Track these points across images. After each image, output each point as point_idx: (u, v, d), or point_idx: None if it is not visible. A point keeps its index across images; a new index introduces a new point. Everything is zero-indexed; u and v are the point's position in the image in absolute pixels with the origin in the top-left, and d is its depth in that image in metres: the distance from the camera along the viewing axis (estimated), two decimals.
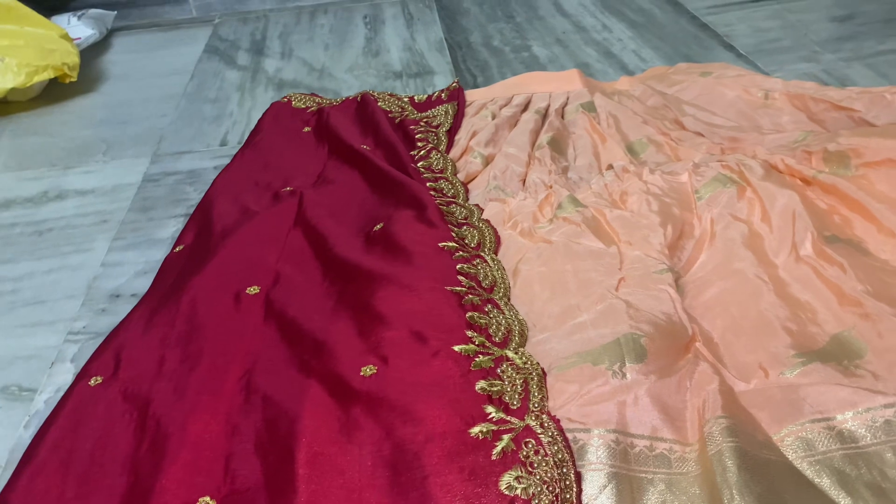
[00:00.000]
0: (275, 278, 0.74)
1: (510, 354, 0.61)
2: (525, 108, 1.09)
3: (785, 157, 0.81)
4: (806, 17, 1.38)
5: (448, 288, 0.68)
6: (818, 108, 0.94)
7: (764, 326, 0.63)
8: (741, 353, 0.61)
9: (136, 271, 0.87)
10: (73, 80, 1.27)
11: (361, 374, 0.61)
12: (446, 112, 1.09)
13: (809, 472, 0.51)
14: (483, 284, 0.70)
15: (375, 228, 0.79)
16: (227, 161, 1.04)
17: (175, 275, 0.79)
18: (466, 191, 0.90)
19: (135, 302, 0.79)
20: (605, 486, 0.51)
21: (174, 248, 0.86)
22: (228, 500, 0.55)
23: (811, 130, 0.89)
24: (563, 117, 1.05)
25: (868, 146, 0.76)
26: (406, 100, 1.15)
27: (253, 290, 0.73)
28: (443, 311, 0.65)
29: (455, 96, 1.14)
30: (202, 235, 0.85)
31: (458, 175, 0.94)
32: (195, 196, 0.99)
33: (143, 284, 0.83)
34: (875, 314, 0.61)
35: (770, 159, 0.82)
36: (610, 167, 0.90)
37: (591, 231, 0.75)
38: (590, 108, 1.05)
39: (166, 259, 0.85)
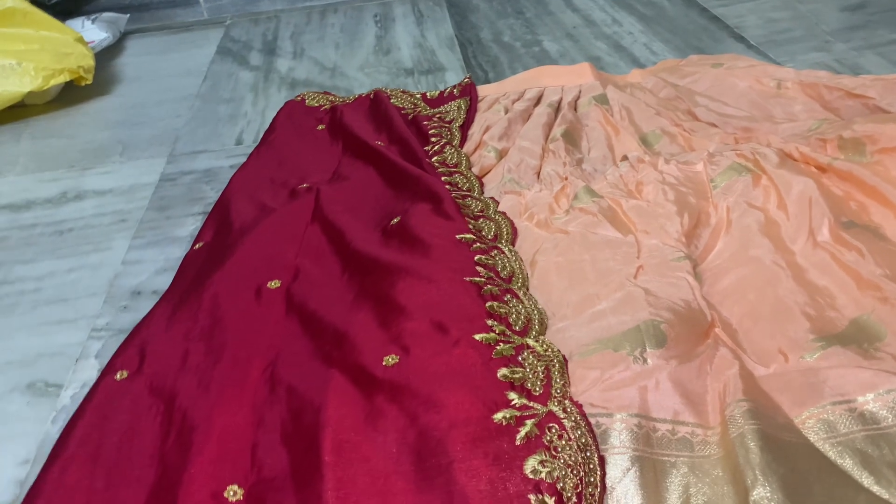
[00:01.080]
0: (294, 273, 0.75)
1: (531, 342, 0.62)
2: (537, 101, 1.10)
3: (799, 146, 0.81)
4: (816, 7, 1.38)
5: (467, 279, 0.69)
6: (832, 96, 0.94)
7: (783, 312, 0.63)
8: (760, 338, 0.62)
9: (156, 269, 0.88)
10: (88, 82, 1.28)
11: (384, 363, 0.62)
12: (459, 107, 1.09)
13: (832, 454, 0.51)
14: (501, 275, 0.71)
15: (392, 222, 0.80)
16: (242, 160, 1.05)
17: (195, 271, 0.80)
18: (481, 184, 0.90)
19: (156, 299, 0.80)
20: (628, 470, 0.51)
21: (194, 245, 0.87)
22: (256, 488, 0.56)
23: (825, 118, 0.89)
24: (576, 110, 1.06)
25: (884, 132, 0.76)
26: (418, 96, 1.16)
27: (274, 284, 0.74)
28: (462, 301, 0.66)
29: (467, 92, 1.14)
30: (221, 232, 0.86)
31: (473, 169, 0.94)
32: (212, 195, 1.00)
33: (164, 281, 0.84)
34: (894, 298, 0.61)
35: (784, 147, 0.82)
36: (625, 158, 0.90)
37: (608, 220, 0.75)
38: (602, 100, 1.05)
39: (186, 256, 0.86)
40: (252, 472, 0.57)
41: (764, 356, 0.60)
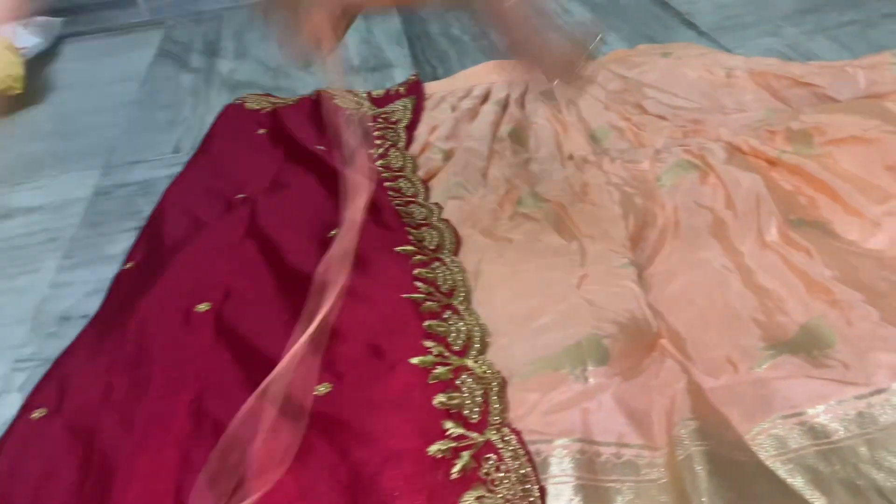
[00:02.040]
0: (225, 294, 0.71)
1: (470, 363, 0.59)
2: (485, 99, 1.06)
3: (748, 139, 0.79)
4: None
5: (405, 296, 0.65)
6: (780, 84, 0.92)
7: (732, 318, 0.61)
8: (710, 347, 0.59)
9: (86, 291, 0.83)
10: (18, 91, 1.22)
11: (315, 392, 0.59)
12: (405, 107, 1.06)
13: (782, 472, 0.49)
14: (442, 289, 0.68)
15: (330, 234, 0.76)
16: (180, 169, 1.00)
17: (124, 294, 0.76)
18: (427, 189, 0.87)
19: (85, 324, 0.76)
20: (571, 500, 0.49)
21: (124, 264, 0.83)
22: None
23: (774, 109, 0.87)
24: (523, 107, 1.03)
25: (831, 123, 0.75)
26: (364, 95, 1.12)
27: (203, 307, 0.70)
28: (399, 321, 0.63)
29: (414, 90, 1.11)
30: (152, 251, 0.82)
31: (419, 172, 0.91)
32: (148, 208, 0.95)
33: (94, 305, 0.79)
34: (844, 301, 0.60)
35: (733, 140, 0.80)
36: (571, 157, 0.87)
37: (552, 226, 0.73)
38: (550, 96, 1.02)
39: (116, 277, 0.81)
40: None
41: (713, 367, 0.58)
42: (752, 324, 0.60)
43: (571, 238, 0.72)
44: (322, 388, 0.59)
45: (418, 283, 0.67)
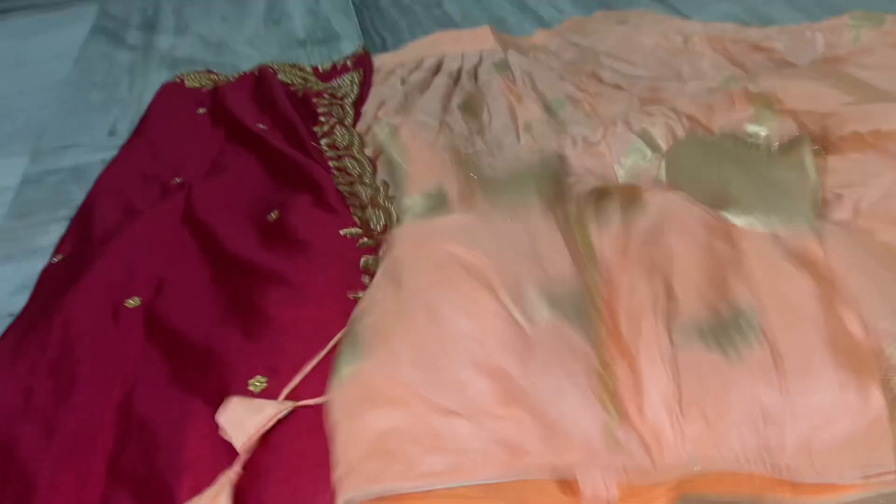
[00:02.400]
0: (157, 286, 0.66)
1: None
2: (436, 71, 1.02)
3: (707, 111, 0.76)
4: None
5: (350, 295, 0.62)
6: (737, 50, 0.89)
7: None
8: None
9: (12, 288, 0.78)
10: None
11: (250, 388, 0.55)
12: (352, 81, 1.01)
13: None
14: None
15: (270, 217, 0.72)
16: (115, 154, 0.94)
17: (50, 291, 0.71)
18: (374, 168, 0.82)
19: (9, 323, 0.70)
20: None
21: (52, 258, 0.77)
22: None
23: (732, 75, 0.84)
24: (476, 79, 0.98)
25: (787, 90, 0.72)
26: (309, 70, 1.07)
27: (133, 302, 0.65)
28: (341, 320, 0.59)
29: (361, 63, 1.06)
30: (82, 242, 0.77)
31: (367, 150, 0.86)
32: (81, 196, 0.89)
33: (21, 303, 0.74)
34: None
35: (693, 113, 0.77)
36: (528, 128, 0.84)
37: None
38: (503, 67, 0.98)
39: (43, 272, 0.76)
40: None
41: None
42: None
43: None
44: (257, 383, 0.55)
45: (364, 278, 0.63)
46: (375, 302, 0.56)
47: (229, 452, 0.52)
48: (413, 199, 0.71)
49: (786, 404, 0.45)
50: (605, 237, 0.60)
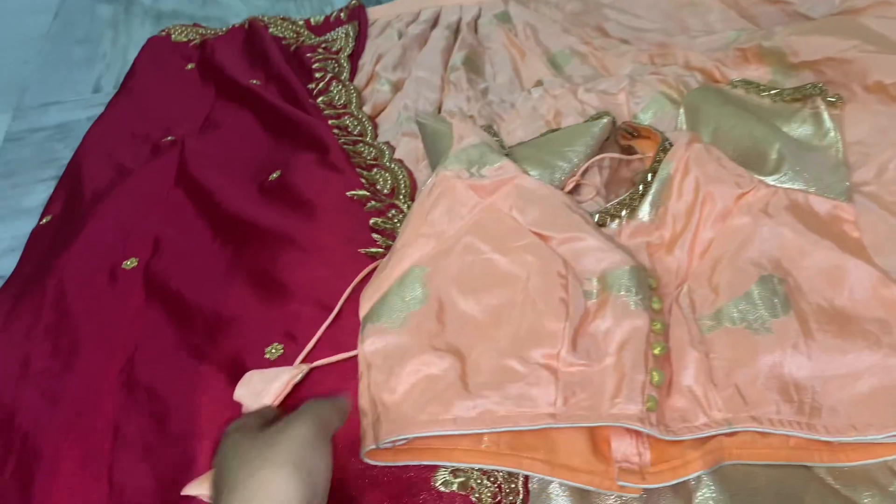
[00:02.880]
0: (154, 247, 0.64)
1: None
2: (434, 23, 0.99)
3: (720, 64, 0.74)
4: None
5: (362, 251, 0.59)
6: (748, 2, 0.87)
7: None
8: None
9: (1, 249, 0.75)
10: None
11: (266, 356, 0.53)
12: (347, 34, 0.97)
13: None
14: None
15: (271, 178, 0.69)
16: (101, 111, 0.91)
17: (41, 252, 0.68)
18: (375, 126, 0.80)
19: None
20: None
21: (41, 219, 0.74)
22: None
23: (742, 28, 0.81)
24: (476, 31, 0.95)
25: (806, 44, 0.69)
26: (301, 23, 1.03)
27: (130, 263, 0.63)
28: (355, 277, 0.57)
29: (356, 15, 1.02)
30: (72, 203, 0.74)
31: (365, 108, 0.83)
32: (67, 154, 0.86)
33: (10, 264, 0.71)
34: None
35: (705, 66, 0.75)
36: (539, 83, 0.81)
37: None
38: (504, 18, 0.95)
39: (32, 233, 0.73)
40: (111, 502, 0.47)
41: None
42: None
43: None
44: (273, 350, 0.53)
45: (375, 236, 0.61)
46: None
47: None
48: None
49: (816, 367, 0.44)
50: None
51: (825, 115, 0.63)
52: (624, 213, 0.58)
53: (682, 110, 0.68)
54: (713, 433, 0.43)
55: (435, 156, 0.66)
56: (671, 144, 0.61)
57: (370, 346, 0.49)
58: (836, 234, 0.53)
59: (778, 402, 0.43)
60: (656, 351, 0.46)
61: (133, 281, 0.61)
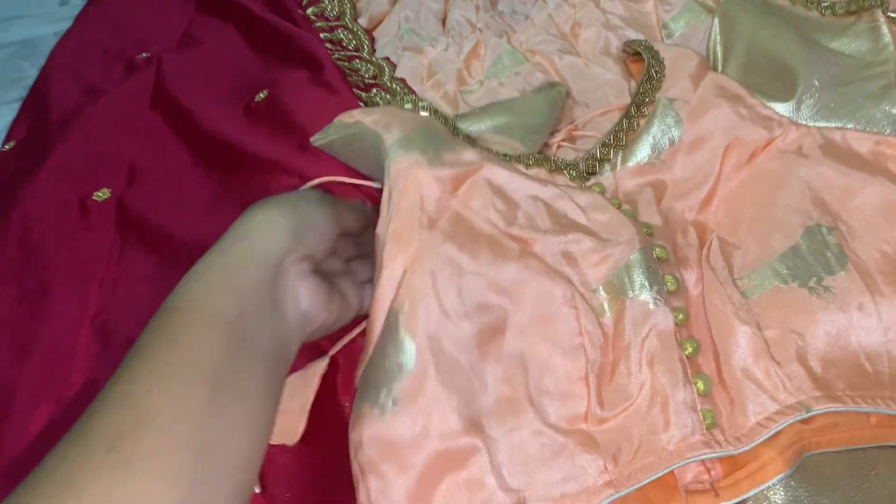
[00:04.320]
0: (129, 176, 0.58)
1: None
2: None
3: None
4: None
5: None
6: None
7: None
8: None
9: None
10: None
11: None
12: None
13: None
14: None
15: (258, 98, 0.62)
16: (70, 24, 0.82)
17: (4, 181, 0.61)
18: (372, 40, 0.72)
19: None
20: None
21: (3, 145, 0.67)
22: None
23: None
24: None
25: None
26: None
27: (102, 194, 0.56)
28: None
29: None
30: (36, 127, 0.67)
31: (360, 20, 0.75)
32: (33, 74, 0.78)
33: None
34: None
35: None
36: None
37: None
38: None
39: None
40: None
41: None
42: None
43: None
44: None
45: None
46: None
47: None
48: None
49: (889, 329, 0.38)
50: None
51: (884, 29, 0.56)
52: (619, 155, 0.50)
53: (716, 20, 0.61)
54: (790, 422, 0.36)
55: (367, 161, 0.51)
56: (659, 68, 0.53)
57: (359, 435, 0.37)
58: (882, 173, 0.47)
59: (850, 375, 0.37)
60: (688, 351, 0.39)
61: (106, 214, 0.55)
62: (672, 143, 0.49)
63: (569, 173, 0.50)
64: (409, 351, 0.38)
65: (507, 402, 0.37)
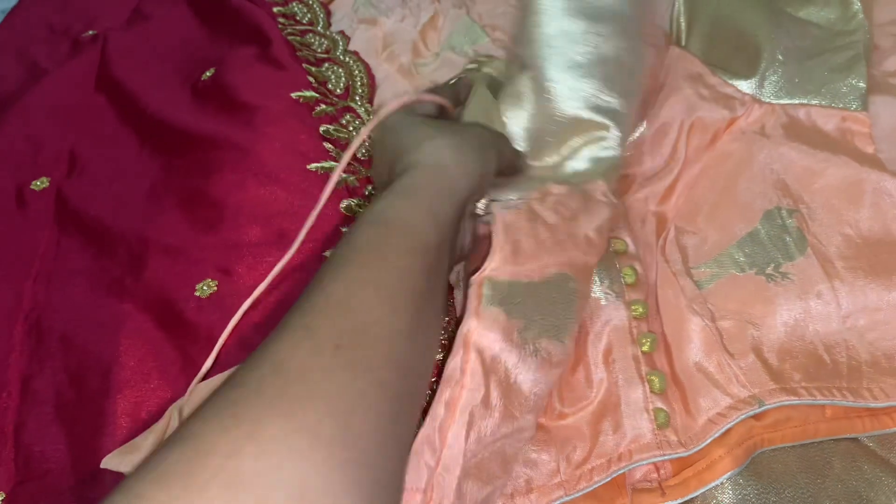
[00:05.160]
0: (70, 163, 0.55)
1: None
2: None
3: None
4: None
5: (312, 166, 0.51)
6: None
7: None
8: None
9: None
10: None
11: (197, 293, 0.45)
12: None
13: None
14: (362, 156, 0.53)
15: (205, 76, 0.59)
16: (15, 2, 0.79)
17: None
18: (328, 13, 0.68)
19: None
20: None
21: None
22: (19, 491, 0.40)
23: None
24: None
25: None
26: None
27: (40, 183, 0.54)
28: (305, 201, 0.48)
29: None
30: None
31: None
32: None
33: None
34: None
35: None
36: None
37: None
38: None
39: None
40: (16, 469, 0.41)
41: None
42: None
43: None
44: (205, 288, 0.45)
45: (328, 146, 0.52)
46: None
47: (171, 364, 0.43)
48: None
49: (847, 317, 0.37)
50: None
51: None
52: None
53: None
54: (742, 417, 0.35)
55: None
56: None
57: None
58: (846, 152, 0.45)
59: (807, 366, 0.36)
60: (645, 347, 0.37)
61: (44, 205, 0.52)
62: (636, 143, 0.47)
63: None
64: None
65: None
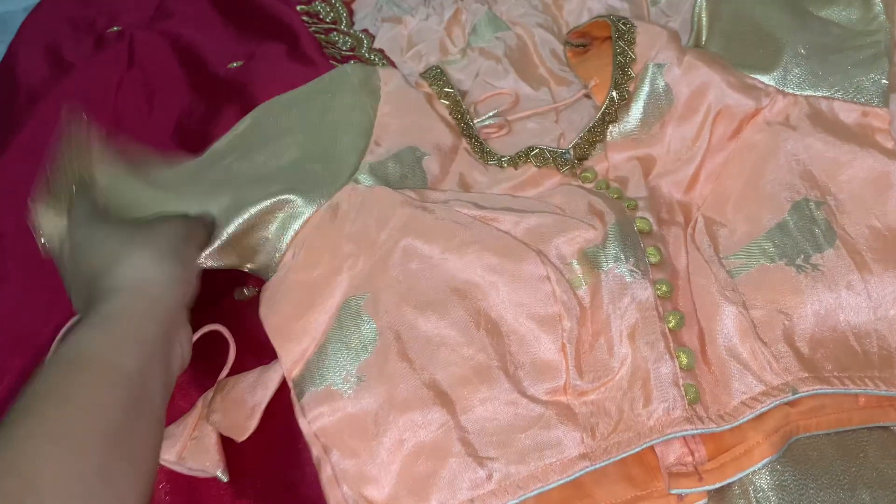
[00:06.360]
0: None
1: None
2: None
3: None
4: None
5: None
6: None
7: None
8: None
9: None
10: None
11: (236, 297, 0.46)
12: None
13: None
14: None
15: (230, 66, 0.60)
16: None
17: None
18: (350, 12, 0.70)
19: None
20: None
21: None
22: None
23: None
24: None
25: None
26: None
27: None
28: None
29: None
30: (4, 104, 0.65)
31: None
32: (1, 50, 0.76)
33: None
34: None
35: None
36: None
37: (514, 68, 0.58)
38: None
39: None
40: None
41: None
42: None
43: (538, 83, 0.58)
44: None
45: None
46: None
47: None
48: None
49: (878, 307, 0.37)
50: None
51: None
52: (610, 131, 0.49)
53: None
54: (776, 403, 0.35)
55: None
56: (629, 30, 0.51)
57: (322, 419, 0.38)
58: (870, 145, 0.45)
59: (838, 355, 0.36)
60: (671, 324, 0.38)
61: None
62: (662, 112, 0.48)
63: (560, 167, 0.48)
64: (371, 331, 0.39)
65: (480, 372, 0.37)
